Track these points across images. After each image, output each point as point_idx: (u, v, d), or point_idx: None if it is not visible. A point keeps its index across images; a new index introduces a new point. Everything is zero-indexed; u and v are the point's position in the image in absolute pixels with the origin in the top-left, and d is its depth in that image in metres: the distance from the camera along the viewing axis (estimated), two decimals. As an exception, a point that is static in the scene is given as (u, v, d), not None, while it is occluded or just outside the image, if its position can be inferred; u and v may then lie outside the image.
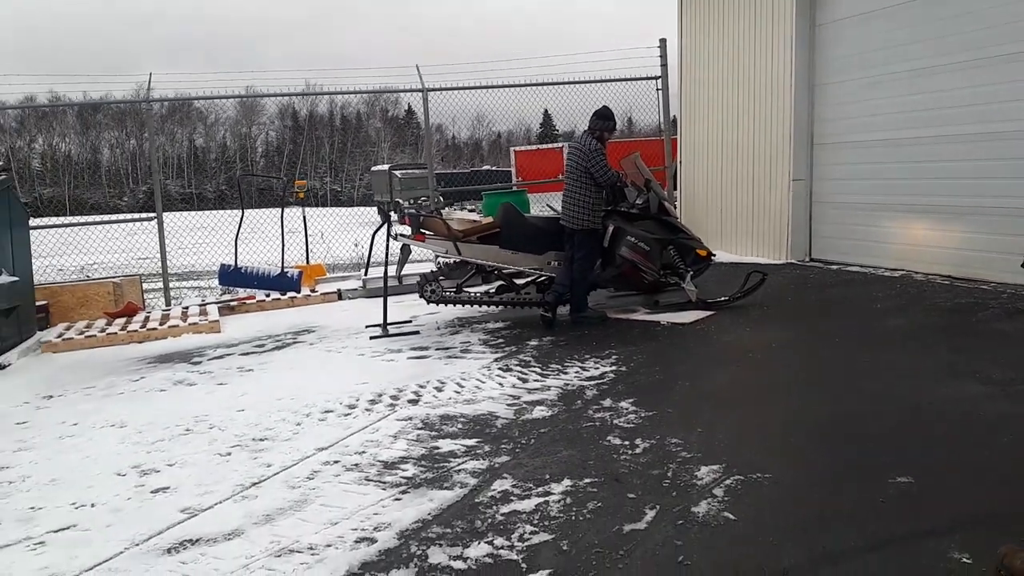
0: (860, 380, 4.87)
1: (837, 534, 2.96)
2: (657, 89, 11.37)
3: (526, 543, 3.05)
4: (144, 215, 10.09)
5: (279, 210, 8.94)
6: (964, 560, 2.71)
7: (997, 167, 7.37)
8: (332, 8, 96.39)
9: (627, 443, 4.02)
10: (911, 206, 8.35)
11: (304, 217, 9.81)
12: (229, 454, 4.24)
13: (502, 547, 3.03)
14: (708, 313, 6.93)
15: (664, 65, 11.32)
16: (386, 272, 7.08)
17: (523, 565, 2.89)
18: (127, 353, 6.96)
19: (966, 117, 7.61)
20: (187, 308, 8.57)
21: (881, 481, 3.37)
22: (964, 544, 2.81)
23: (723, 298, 7.25)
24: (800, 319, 6.69)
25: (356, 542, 3.14)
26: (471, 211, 11.64)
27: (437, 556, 2.99)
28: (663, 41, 11.37)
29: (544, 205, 9.33)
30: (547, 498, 3.44)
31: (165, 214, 9.62)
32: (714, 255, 7.53)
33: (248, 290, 9.17)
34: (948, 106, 7.80)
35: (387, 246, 7.07)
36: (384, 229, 7.14)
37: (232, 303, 8.74)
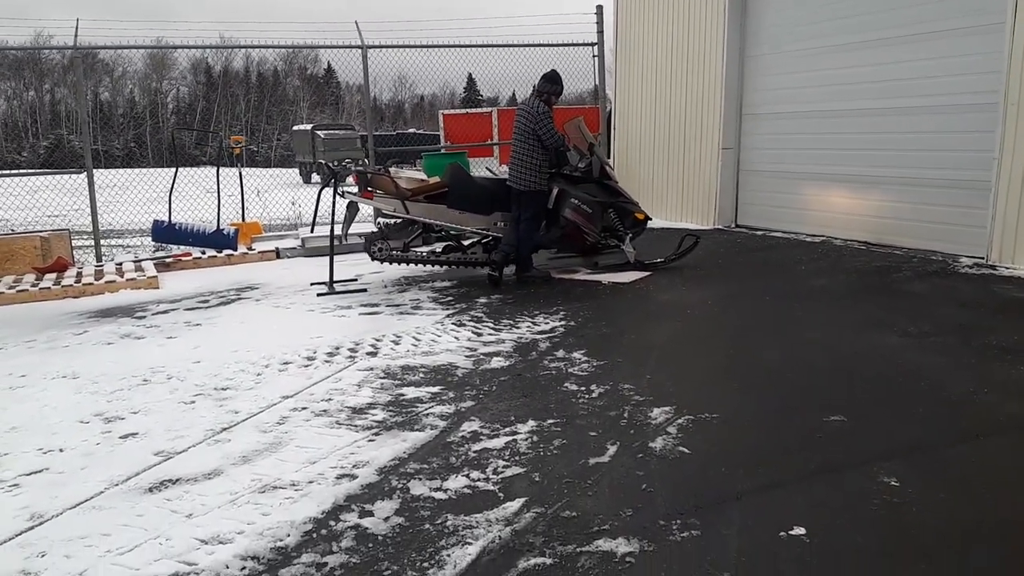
0: (791, 332, 5.27)
1: (782, 464, 3.28)
2: (593, 56, 11.57)
3: (500, 475, 3.27)
4: (70, 170, 9.73)
5: (203, 169, 8.80)
6: (893, 483, 3.06)
7: (909, 139, 7.92)
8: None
9: (583, 388, 4.27)
10: (831, 175, 8.87)
11: (240, 174, 9.66)
12: (193, 402, 4.29)
13: (478, 479, 3.24)
14: (646, 274, 7.26)
15: (600, 32, 11.51)
16: (332, 229, 7.10)
17: (500, 495, 3.10)
18: (64, 308, 6.79)
19: (883, 92, 8.12)
20: (121, 264, 8.37)
21: (817, 419, 3.73)
22: (892, 470, 3.17)
23: (659, 259, 7.59)
24: (732, 279, 7.08)
25: (338, 478, 3.29)
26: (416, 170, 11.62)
27: (418, 488, 3.17)
28: (599, 8, 11.55)
29: (484, 168, 9.48)
30: (515, 437, 3.65)
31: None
32: (650, 219, 7.85)
33: (183, 247, 9.01)
34: (868, 81, 8.30)
35: (333, 203, 7.09)
36: (330, 187, 7.16)
37: (167, 260, 8.58)
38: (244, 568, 2.65)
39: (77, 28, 8.71)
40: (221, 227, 8.98)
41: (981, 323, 5.24)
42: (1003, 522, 2.79)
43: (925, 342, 4.87)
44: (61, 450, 3.70)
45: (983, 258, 7.10)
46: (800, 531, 2.73)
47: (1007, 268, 6.81)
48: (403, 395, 4.28)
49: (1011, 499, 2.94)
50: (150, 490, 3.25)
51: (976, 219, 7.21)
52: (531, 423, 3.81)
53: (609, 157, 11.90)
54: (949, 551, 2.62)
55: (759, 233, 9.55)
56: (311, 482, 3.26)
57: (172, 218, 8.98)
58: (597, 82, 11.89)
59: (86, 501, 3.16)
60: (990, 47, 6.98)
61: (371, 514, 2.98)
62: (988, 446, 3.41)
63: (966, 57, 7.29)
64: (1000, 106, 6.84)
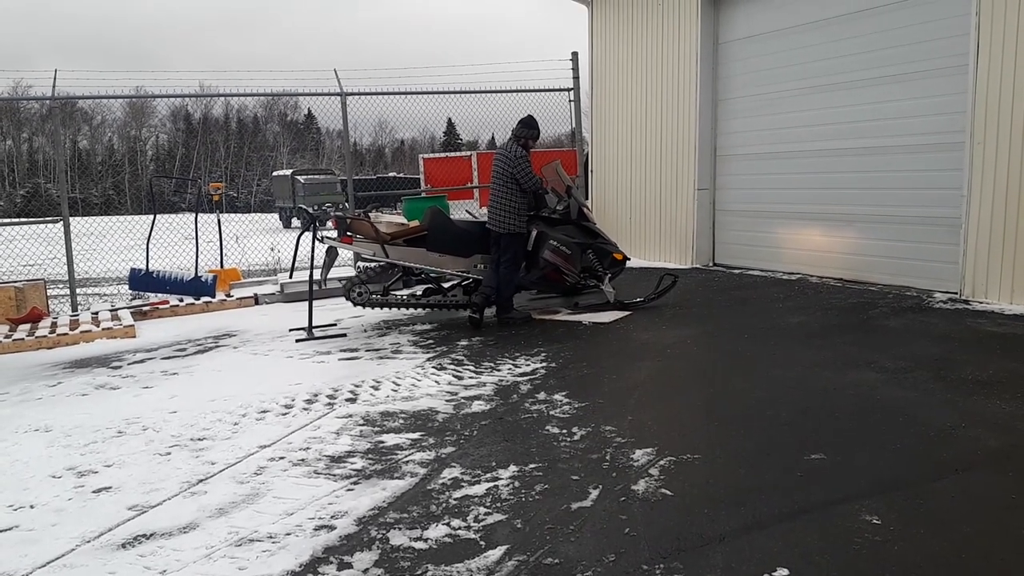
0: (770, 370, 5.29)
1: (763, 504, 3.27)
2: (569, 101, 11.74)
3: (482, 523, 3.23)
4: (46, 219, 9.70)
5: (182, 215, 8.80)
6: (874, 521, 3.06)
7: (881, 178, 8.08)
8: (236, 9, 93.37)
9: (565, 431, 4.26)
10: (805, 214, 9.00)
11: (219, 220, 9.64)
12: (169, 454, 4.22)
13: (459, 528, 3.19)
14: (626, 313, 7.29)
15: (576, 78, 11.71)
16: (311, 275, 7.09)
17: (481, 543, 3.06)
18: (38, 359, 6.69)
19: (853, 132, 8.31)
20: (97, 314, 8.28)
21: (797, 458, 3.73)
22: (872, 508, 3.17)
23: (639, 299, 7.63)
24: (710, 318, 7.12)
25: (315, 529, 3.24)
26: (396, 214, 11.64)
27: (398, 539, 3.13)
28: (575, 54, 11.77)
29: (464, 211, 9.53)
30: (496, 483, 3.62)
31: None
32: (629, 259, 7.91)
33: (160, 295, 8.94)
34: (836, 122, 8.49)
35: (312, 248, 7.09)
36: (310, 232, 7.16)
37: (144, 308, 8.49)
38: (219, 625, 2.58)
39: (55, 79, 8.73)
40: (199, 274, 8.93)
41: (957, 357, 5.29)
42: (983, 556, 2.78)
43: (902, 378, 4.91)
44: (32, 506, 3.62)
45: (957, 293, 7.20)
46: (783, 572, 2.71)
47: (980, 303, 6.91)
48: (383, 442, 4.23)
49: (991, 533, 2.94)
50: (123, 546, 3.17)
51: (948, 255, 7.33)
52: (513, 468, 3.78)
53: (587, 199, 12.02)
54: (932, 590, 2.61)
55: (736, 272, 9.64)
56: (289, 534, 3.20)
57: (150, 266, 8.93)
58: (574, 125, 12.05)
59: (57, 559, 3.08)
60: (955, 88, 7.18)
61: (350, 566, 2.92)
62: (967, 480, 3.42)
63: (933, 98, 7.49)
64: (967, 145, 7.01)
